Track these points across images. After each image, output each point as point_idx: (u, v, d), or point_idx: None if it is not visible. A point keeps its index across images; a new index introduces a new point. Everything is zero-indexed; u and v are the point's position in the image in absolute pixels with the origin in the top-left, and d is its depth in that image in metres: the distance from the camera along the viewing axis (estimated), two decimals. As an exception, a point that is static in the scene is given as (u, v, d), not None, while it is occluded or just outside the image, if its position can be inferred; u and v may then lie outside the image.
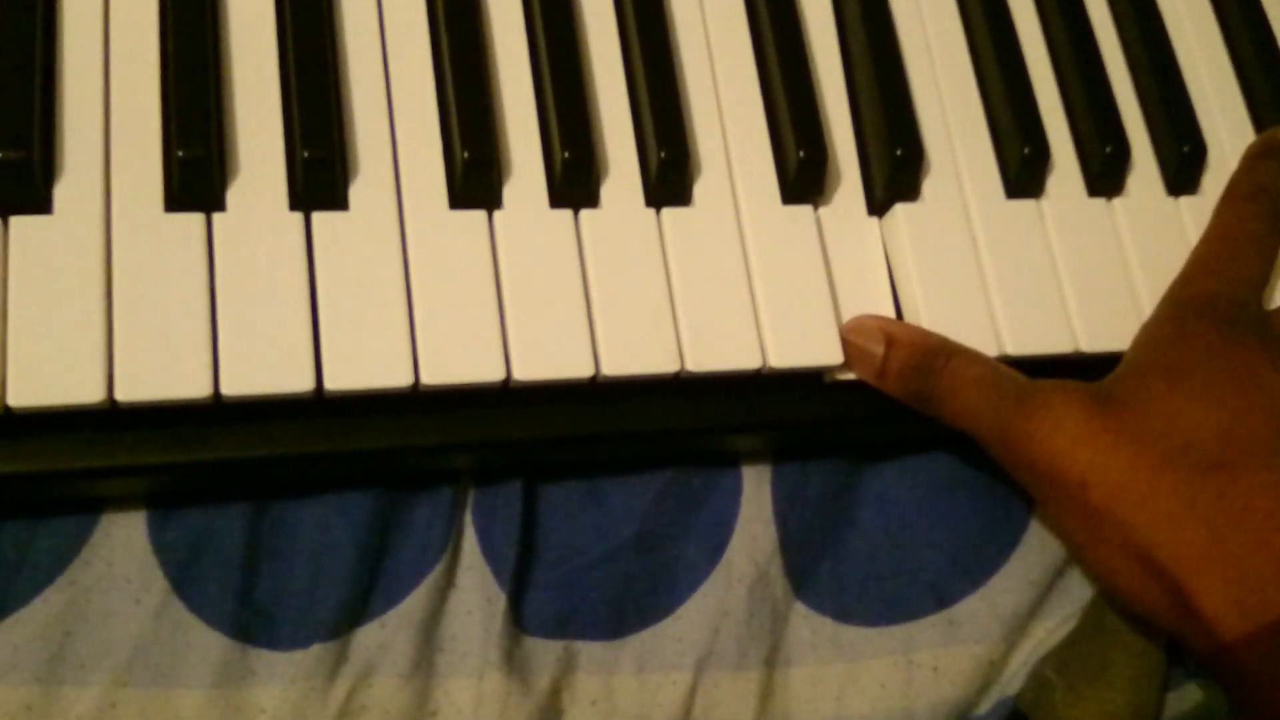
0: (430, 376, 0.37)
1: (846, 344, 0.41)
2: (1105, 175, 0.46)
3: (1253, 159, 0.48)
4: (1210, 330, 0.40)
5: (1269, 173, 0.47)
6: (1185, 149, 0.46)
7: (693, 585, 0.44)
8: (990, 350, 0.42)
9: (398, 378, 0.37)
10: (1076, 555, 0.38)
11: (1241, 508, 0.35)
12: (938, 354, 0.40)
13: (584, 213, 0.40)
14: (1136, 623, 0.43)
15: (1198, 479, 0.35)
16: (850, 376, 0.42)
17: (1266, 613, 0.33)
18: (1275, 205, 0.46)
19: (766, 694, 0.44)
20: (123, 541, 0.40)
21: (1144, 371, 0.39)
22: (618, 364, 0.39)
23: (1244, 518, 0.34)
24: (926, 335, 0.41)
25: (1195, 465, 0.36)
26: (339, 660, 0.40)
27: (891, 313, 0.42)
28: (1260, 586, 0.33)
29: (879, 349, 0.41)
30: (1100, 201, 0.46)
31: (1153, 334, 0.42)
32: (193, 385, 0.35)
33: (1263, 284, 0.43)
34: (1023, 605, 0.46)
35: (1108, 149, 0.45)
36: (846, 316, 0.42)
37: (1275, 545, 0.34)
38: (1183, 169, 0.47)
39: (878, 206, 0.44)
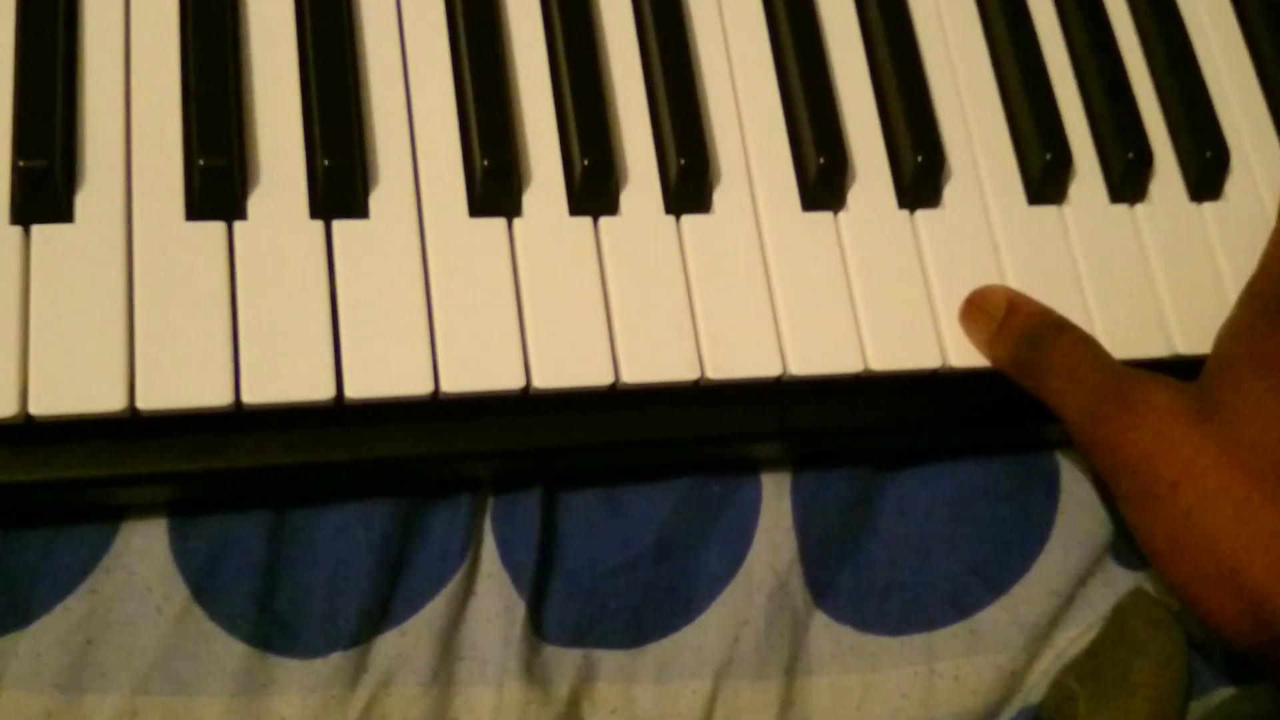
0: (450, 384, 0.37)
1: (968, 307, 0.42)
2: (1127, 181, 0.45)
3: None
4: None
5: None
6: (1208, 154, 0.46)
7: (712, 594, 0.44)
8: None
9: (418, 385, 0.37)
10: (1153, 560, 0.38)
11: None
12: (1053, 325, 0.41)
13: (603, 220, 0.40)
14: (1205, 632, 0.42)
15: None
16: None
17: None
18: None
19: (786, 703, 0.44)
20: (144, 550, 0.40)
21: (1238, 371, 0.38)
22: (637, 372, 0.39)
23: None
24: (1047, 308, 0.42)
25: None
26: (359, 668, 0.40)
27: (912, 318, 0.42)
28: None
29: (998, 314, 0.41)
30: (1123, 208, 0.45)
31: (1242, 328, 0.41)
32: (214, 393, 0.35)
33: None
34: (1044, 614, 0.45)
35: (1130, 155, 0.45)
36: (867, 323, 0.41)
37: None
38: (1205, 175, 0.46)
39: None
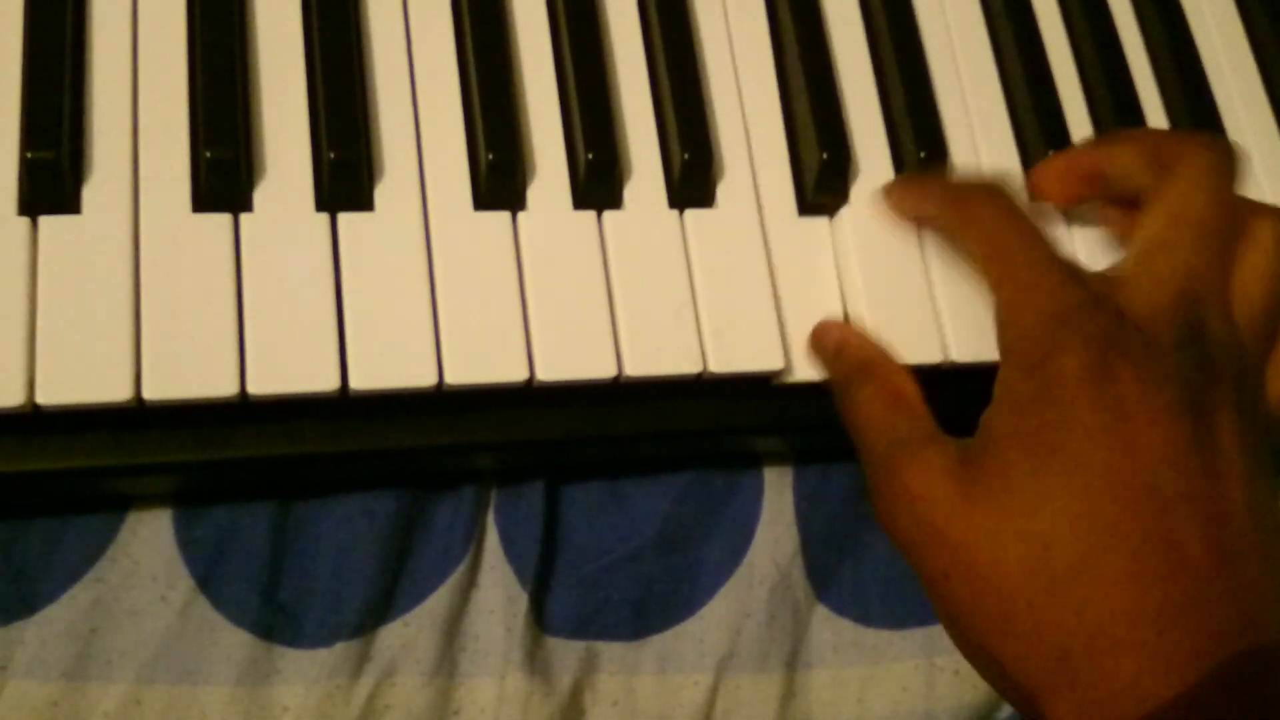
0: (454, 376, 0.37)
1: (810, 342, 0.41)
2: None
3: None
4: (1063, 373, 0.33)
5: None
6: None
7: (714, 586, 0.44)
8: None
9: (422, 377, 0.37)
10: (948, 633, 0.35)
11: (1095, 633, 0.31)
12: (859, 373, 0.38)
13: (607, 214, 0.41)
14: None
15: (1056, 595, 0.32)
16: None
17: None
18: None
19: (787, 696, 0.44)
20: (149, 540, 0.40)
21: (1005, 446, 0.34)
22: (640, 365, 0.39)
23: (1097, 646, 0.31)
24: (863, 350, 0.39)
25: (1055, 577, 0.32)
26: (362, 659, 0.40)
27: (915, 315, 0.42)
28: (1110, 717, 0.30)
29: (828, 355, 0.40)
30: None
31: (1009, 395, 0.35)
32: (219, 384, 0.35)
33: (1071, 268, 0.36)
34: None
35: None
36: (868, 318, 0.41)
37: (1126, 673, 0.30)
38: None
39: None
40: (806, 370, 0.41)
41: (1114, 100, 0.46)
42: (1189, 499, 0.32)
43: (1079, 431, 0.33)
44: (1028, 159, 0.45)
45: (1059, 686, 0.31)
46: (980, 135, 0.45)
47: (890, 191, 0.42)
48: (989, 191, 0.38)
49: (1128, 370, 0.33)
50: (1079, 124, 0.46)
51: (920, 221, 0.42)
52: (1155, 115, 0.48)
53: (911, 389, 0.38)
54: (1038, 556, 0.32)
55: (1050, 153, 0.44)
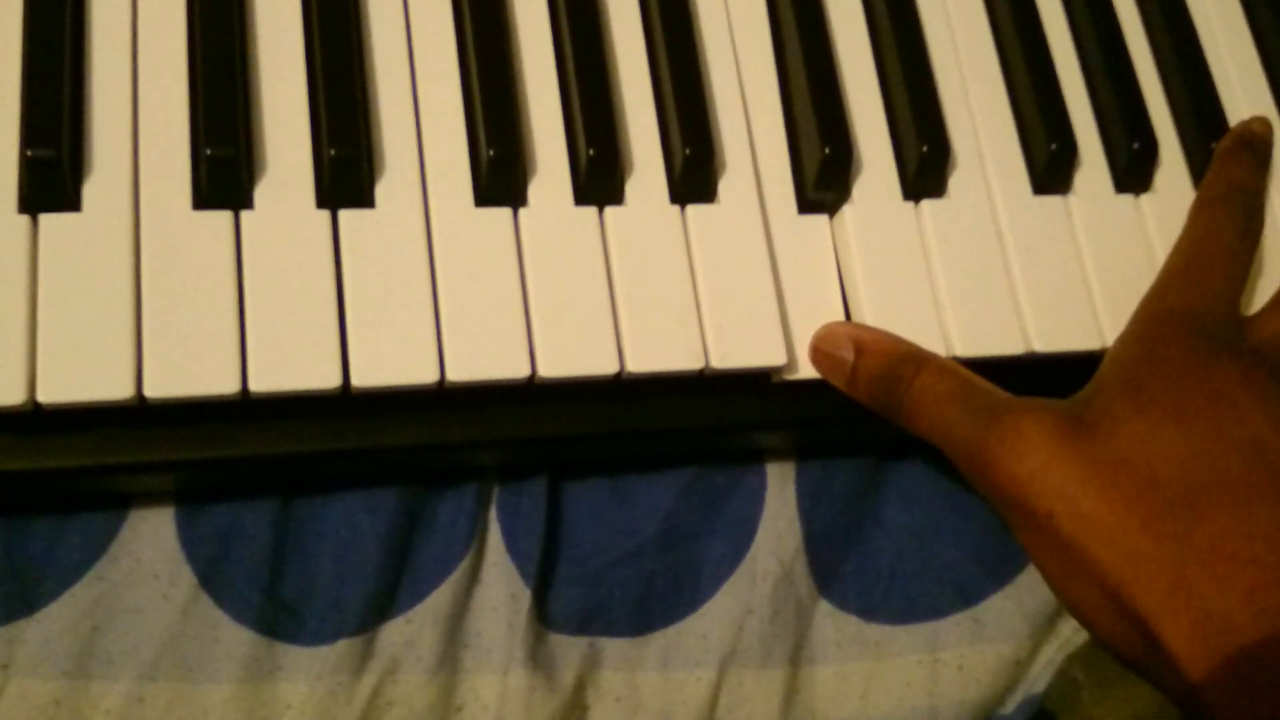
0: (456, 373, 0.37)
1: (815, 352, 0.41)
2: (1132, 171, 0.45)
3: (1224, 155, 0.45)
4: (1182, 349, 0.37)
5: (1243, 169, 0.45)
6: (1213, 145, 0.46)
7: (717, 582, 0.44)
8: (1017, 349, 0.42)
9: (424, 374, 0.37)
10: (1049, 585, 0.37)
11: (1208, 549, 0.33)
12: (907, 364, 0.39)
13: (608, 210, 0.40)
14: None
15: (1166, 516, 0.34)
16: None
17: (1233, 655, 0.31)
18: (1250, 204, 0.44)
19: (791, 691, 0.44)
20: (151, 537, 0.40)
21: (1113, 393, 0.37)
22: (642, 361, 0.39)
23: (1211, 559, 0.33)
24: (897, 343, 0.40)
25: (1163, 502, 0.34)
26: (365, 656, 0.40)
27: (917, 310, 0.42)
28: (1226, 629, 0.32)
29: (849, 356, 0.40)
30: (1128, 198, 0.45)
31: (1124, 351, 0.39)
32: (221, 382, 0.35)
33: (1239, 291, 0.42)
34: (1048, 603, 0.45)
35: (1135, 145, 0.45)
36: (871, 312, 0.41)
37: (1241, 587, 0.32)
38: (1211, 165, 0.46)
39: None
40: (808, 366, 0.41)
41: (1117, 98, 0.46)
42: None
43: (1185, 389, 0.36)
44: (1031, 155, 0.45)
45: (1174, 605, 0.32)
46: (983, 131, 0.45)
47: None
48: (1246, 175, 0.44)
49: (1234, 370, 0.36)
50: (1082, 118, 0.46)
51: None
52: (1159, 115, 0.47)
53: (957, 364, 0.40)
54: (1147, 486, 0.34)
55: (1053, 146, 0.44)
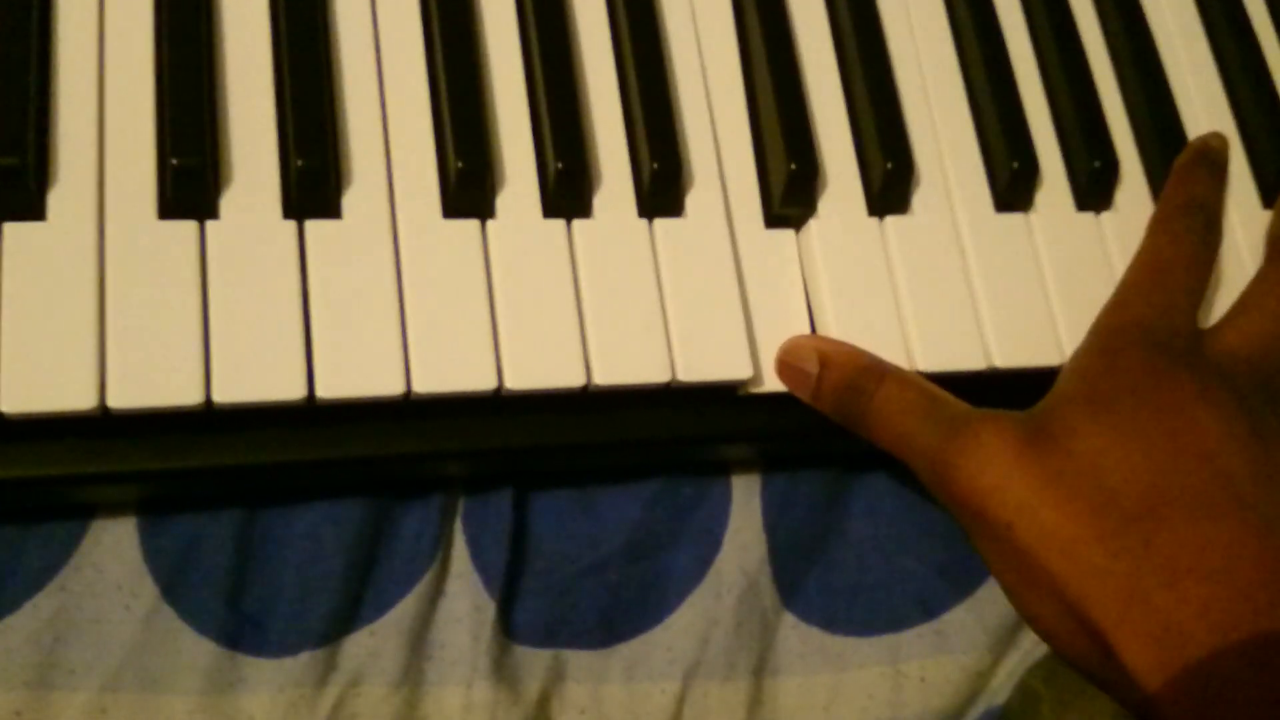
0: (422, 385, 0.37)
1: (781, 365, 0.41)
2: (1093, 189, 0.46)
3: (1182, 170, 0.46)
4: (1140, 361, 0.38)
5: (1200, 184, 0.45)
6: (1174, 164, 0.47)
7: (682, 594, 0.44)
8: (978, 364, 0.42)
9: (389, 386, 0.37)
10: (1008, 597, 0.37)
11: (1165, 562, 0.33)
12: (869, 376, 0.39)
13: (577, 223, 0.41)
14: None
15: (1123, 530, 0.34)
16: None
17: (1189, 668, 0.32)
18: (1209, 218, 0.44)
19: (755, 703, 0.44)
20: (113, 548, 0.40)
21: (1072, 405, 0.37)
22: (609, 374, 0.39)
23: (1167, 572, 0.33)
24: (859, 355, 0.40)
25: (1121, 515, 0.34)
26: (328, 668, 0.40)
27: (881, 325, 0.42)
28: (1182, 642, 0.32)
29: (813, 369, 0.40)
30: (1089, 215, 0.46)
31: (1082, 363, 0.40)
32: (185, 392, 0.35)
33: (1198, 304, 0.42)
34: (1009, 616, 0.46)
35: (1096, 163, 0.46)
36: (835, 327, 0.42)
37: (1196, 600, 0.32)
38: (1171, 184, 0.47)
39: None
40: (774, 380, 0.41)
41: (1079, 117, 0.47)
42: (1250, 463, 0.35)
43: (1143, 402, 0.36)
44: (993, 173, 0.45)
45: (1131, 618, 0.33)
46: (947, 149, 0.45)
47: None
48: (1204, 190, 0.45)
49: (1191, 383, 0.37)
50: (1044, 136, 0.47)
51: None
52: (1120, 133, 0.48)
53: (919, 377, 0.40)
54: (1105, 499, 0.34)
55: (1015, 165, 0.44)
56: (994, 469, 0.36)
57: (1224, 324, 0.42)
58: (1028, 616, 0.36)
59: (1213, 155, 0.47)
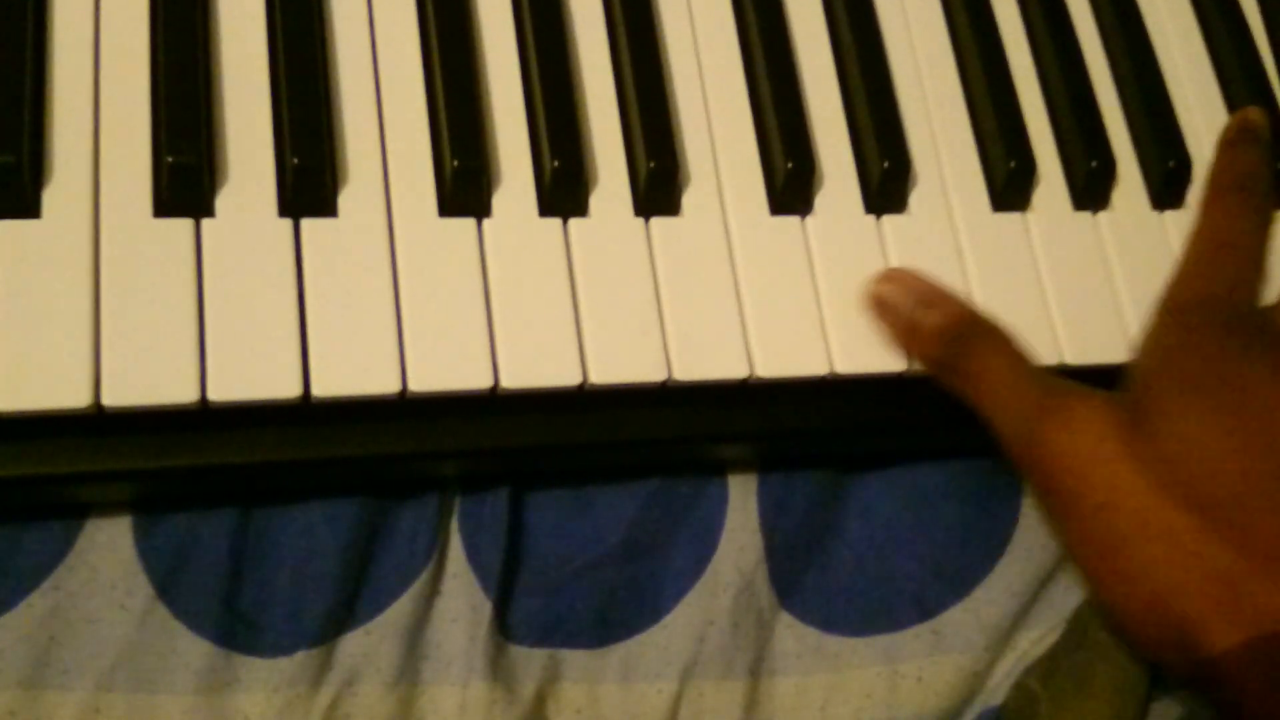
0: (418, 384, 0.37)
1: (877, 298, 0.41)
2: (1090, 189, 0.46)
3: (1229, 146, 0.45)
4: (1217, 342, 0.37)
5: (1249, 157, 0.45)
6: (1170, 164, 0.47)
7: (679, 594, 0.44)
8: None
9: (385, 384, 0.37)
10: (1085, 581, 0.36)
11: (1262, 551, 0.32)
12: (974, 328, 0.39)
13: (573, 221, 0.41)
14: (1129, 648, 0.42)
15: (1220, 518, 0.33)
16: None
17: None
18: (1261, 191, 0.44)
19: (751, 703, 0.44)
20: (108, 547, 0.40)
21: (1162, 389, 0.36)
22: (605, 373, 0.39)
23: (1264, 561, 0.32)
24: (964, 306, 0.40)
25: (1217, 503, 0.34)
26: (324, 667, 0.40)
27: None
28: (1277, 633, 0.31)
29: (913, 305, 0.40)
30: (1085, 215, 0.46)
31: (1158, 343, 0.39)
32: (180, 391, 0.35)
33: (1260, 279, 0.41)
34: (1006, 616, 0.46)
35: (1093, 163, 0.46)
36: (832, 326, 0.42)
37: None
38: (1168, 183, 0.47)
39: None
40: (770, 368, 0.41)
41: (1076, 117, 0.47)
42: None
43: (1226, 384, 0.35)
44: (990, 173, 0.45)
45: (1226, 609, 0.32)
46: (944, 148, 0.46)
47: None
48: (1252, 163, 0.44)
49: (1267, 364, 0.36)
50: (1041, 136, 0.47)
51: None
52: (1117, 132, 0.48)
53: (1017, 341, 0.40)
54: (1201, 486, 0.34)
55: (1012, 164, 0.44)
56: (1090, 447, 0.35)
57: None
58: (1107, 601, 0.35)
59: (1255, 129, 0.46)
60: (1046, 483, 0.36)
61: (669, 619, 0.44)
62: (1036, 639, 0.46)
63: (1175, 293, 0.41)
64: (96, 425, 0.36)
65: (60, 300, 0.35)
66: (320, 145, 0.38)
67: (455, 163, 0.39)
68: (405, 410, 0.38)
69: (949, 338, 0.39)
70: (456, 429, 0.39)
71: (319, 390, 0.36)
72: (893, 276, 0.41)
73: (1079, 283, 0.44)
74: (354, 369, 0.37)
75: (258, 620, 0.40)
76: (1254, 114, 0.47)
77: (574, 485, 0.45)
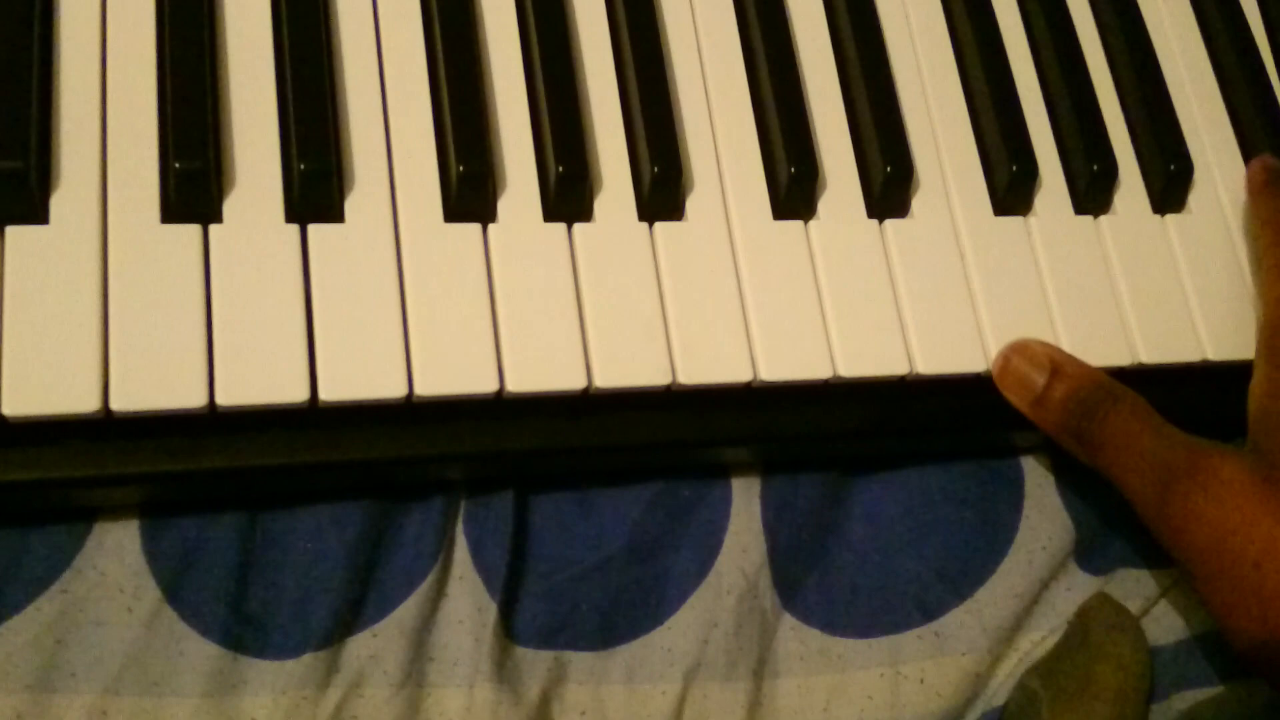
0: (424, 388, 0.37)
1: (1007, 365, 0.41)
2: (1092, 193, 0.46)
3: (1266, 188, 0.46)
4: None
5: None
6: (1172, 168, 0.47)
7: (682, 596, 0.44)
8: (978, 367, 0.42)
9: (392, 388, 0.37)
10: (1234, 639, 0.36)
11: None
12: (1105, 394, 0.39)
13: (577, 226, 0.41)
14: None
15: None
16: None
17: None
18: None
19: (754, 705, 0.44)
20: (115, 550, 0.40)
21: None
22: (610, 376, 0.39)
23: None
24: (1094, 372, 0.40)
25: None
26: (330, 669, 0.40)
27: (881, 327, 0.43)
28: None
29: (1041, 377, 0.40)
30: (1087, 219, 0.46)
31: (1273, 397, 0.39)
32: (188, 395, 0.35)
33: None
34: (1008, 617, 0.46)
35: (1095, 167, 0.46)
36: (836, 329, 0.42)
37: None
38: (1169, 187, 0.47)
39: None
40: (770, 372, 0.41)
41: (1078, 122, 0.47)
42: None
43: None
44: (992, 177, 0.46)
45: None
46: (946, 153, 0.46)
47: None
48: None
49: None
50: (1042, 140, 0.47)
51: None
52: (1119, 137, 0.48)
53: (1148, 404, 0.39)
54: None
55: (1014, 169, 0.45)
56: (1238, 506, 0.35)
57: None
58: (1263, 659, 0.35)
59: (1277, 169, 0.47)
60: (1191, 543, 0.36)
61: (673, 621, 0.44)
62: (1038, 640, 0.46)
63: (1274, 335, 0.41)
64: (104, 429, 0.36)
65: (68, 305, 0.35)
66: (327, 151, 0.38)
67: (460, 168, 0.39)
68: (411, 414, 0.38)
69: (1075, 405, 0.40)
70: (462, 433, 0.39)
71: (326, 394, 0.36)
72: (1019, 348, 0.41)
73: (1081, 286, 0.44)
74: (361, 373, 0.37)
75: (265, 623, 0.40)
76: (1269, 160, 0.48)
77: (578, 488, 0.45)
